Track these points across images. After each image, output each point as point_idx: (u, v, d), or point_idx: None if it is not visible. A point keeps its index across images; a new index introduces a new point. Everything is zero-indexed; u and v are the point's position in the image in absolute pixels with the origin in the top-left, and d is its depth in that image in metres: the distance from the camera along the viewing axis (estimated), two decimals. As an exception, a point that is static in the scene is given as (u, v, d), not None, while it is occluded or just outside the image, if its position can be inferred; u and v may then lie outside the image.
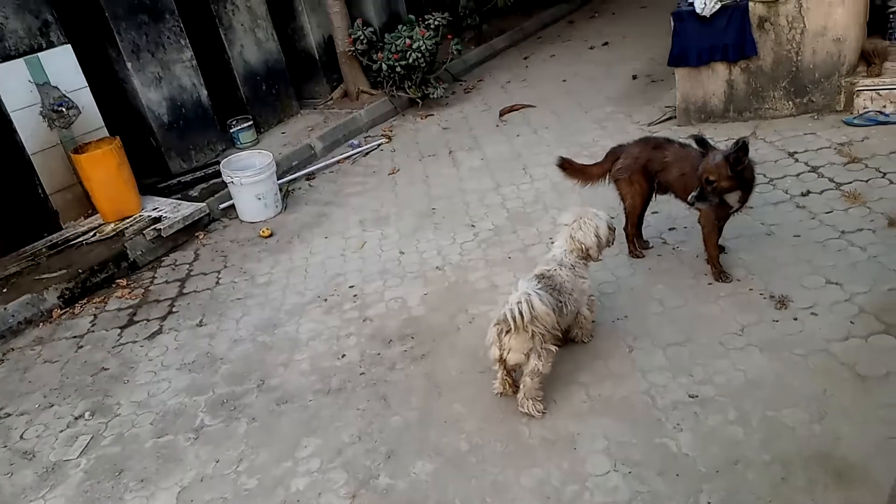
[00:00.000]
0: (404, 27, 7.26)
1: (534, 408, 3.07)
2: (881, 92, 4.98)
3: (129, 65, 6.07)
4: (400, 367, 3.63)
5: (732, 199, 3.49)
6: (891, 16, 5.41)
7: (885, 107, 4.97)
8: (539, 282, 3.08)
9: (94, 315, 4.72)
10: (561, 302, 3.09)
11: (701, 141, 3.50)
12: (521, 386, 3.08)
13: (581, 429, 3.00)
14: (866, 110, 5.03)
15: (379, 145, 6.87)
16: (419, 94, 7.43)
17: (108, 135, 5.73)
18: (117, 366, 4.13)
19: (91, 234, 5.44)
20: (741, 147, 3.28)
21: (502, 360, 3.07)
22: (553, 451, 2.92)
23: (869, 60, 5.20)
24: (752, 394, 2.97)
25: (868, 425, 2.70)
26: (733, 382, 3.05)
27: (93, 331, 4.54)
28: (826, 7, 4.93)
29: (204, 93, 6.69)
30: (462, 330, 3.83)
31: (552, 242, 3.44)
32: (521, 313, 2.83)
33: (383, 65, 7.26)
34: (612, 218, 3.44)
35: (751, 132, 5.27)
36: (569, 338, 3.42)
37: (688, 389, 3.06)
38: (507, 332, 2.94)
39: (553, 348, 3.03)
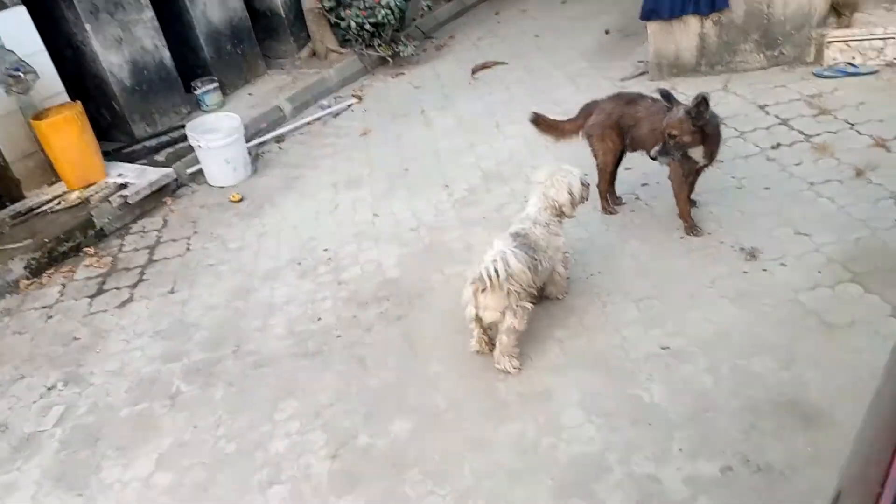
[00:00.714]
0: (372, -17, 7.07)
1: (510, 364, 3.10)
2: (851, 43, 4.99)
3: (87, 26, 5.85)
4: (376, 329, 3.63)
5: (696, 153, 3.49)
6: (860, -34, 5.41)
7: (854, 58, 4.99)
8: (514, 240, 3.08)
9: (63, 285, 4.63)
10: (536, 259, 3.10)
11: (666, 95, 3.48)
12: (498, 343, 3.10)
13: (556, 383, 3.04)
14: (836, 62, 5.05)
15: (349, 106, 6.75)
16: (389, 53, 7.29)
17: (68, 100, 5.54)
18: (89, 335, 4.07)
19: (56, 202, 5.30)
20: (701, 101, 3.27)
21: (478, 319, 3.08)
22: (529, 405, 2.96)
23: (839, 12, 5.20)
24: (722, 344, 3.03)
25: (834, 371, 2.77)
26: (704, 333, 3.10)
27: (62, 301, 4.46)
28: (797, -43, 4.91)
29: (167, 54, 6.49)
30: (438, 290, 3.83)
31: (526, 201, 3.43)
32: (496, 272, 2.83)
33: (351, 22, 7.09)
34: (586, 174, 3.43)
35: (722, 85, 5.27)
36: (544, 295, 3.44)
37: (659, 341, 3.11)
38: (483, 290, 2.94)
39: (528, 305, 3.05)
